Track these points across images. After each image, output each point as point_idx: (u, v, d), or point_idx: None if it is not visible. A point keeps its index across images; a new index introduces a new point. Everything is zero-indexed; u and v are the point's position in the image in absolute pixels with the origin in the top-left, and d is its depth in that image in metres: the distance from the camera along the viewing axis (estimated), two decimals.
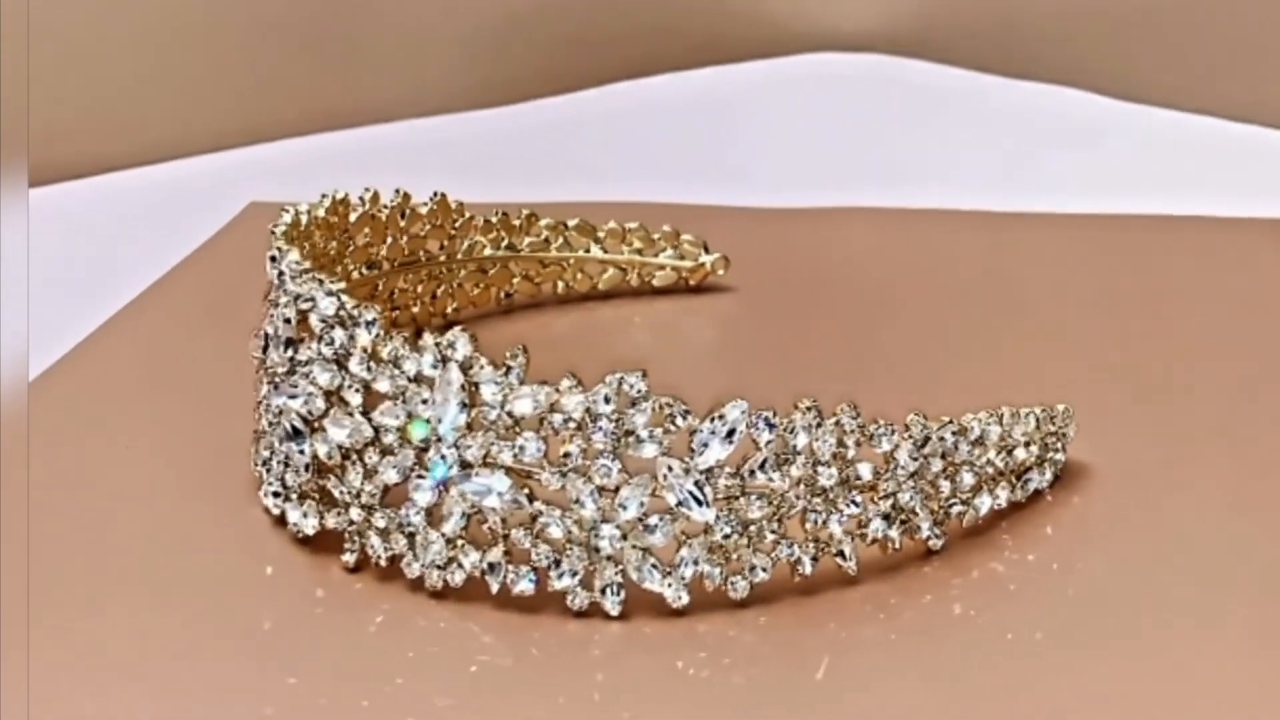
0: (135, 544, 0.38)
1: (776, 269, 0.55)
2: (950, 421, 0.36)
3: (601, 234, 0.52)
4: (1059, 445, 0.40)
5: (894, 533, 0.36)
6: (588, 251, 0.52)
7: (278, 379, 0.38)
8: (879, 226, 0.60)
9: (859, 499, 0.35)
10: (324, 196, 0.45)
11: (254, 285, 0.54)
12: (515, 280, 0.52)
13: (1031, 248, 0.58)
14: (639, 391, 0.34)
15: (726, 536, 0.34)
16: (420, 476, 0.35)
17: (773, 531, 0.35)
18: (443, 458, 0.35)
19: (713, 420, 0.34)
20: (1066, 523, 0.38)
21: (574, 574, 0.35)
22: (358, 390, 0.36)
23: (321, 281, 0.37)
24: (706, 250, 0.53)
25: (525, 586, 0.35)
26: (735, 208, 0.61)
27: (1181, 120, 0.76)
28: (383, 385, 0.35)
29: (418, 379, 0.35)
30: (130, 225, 0.66)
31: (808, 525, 0.35)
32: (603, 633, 0.34)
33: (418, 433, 0.35)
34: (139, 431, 0.44)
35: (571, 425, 0.34)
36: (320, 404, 0.37)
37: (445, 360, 0.35)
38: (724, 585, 0.35)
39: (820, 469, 0.35)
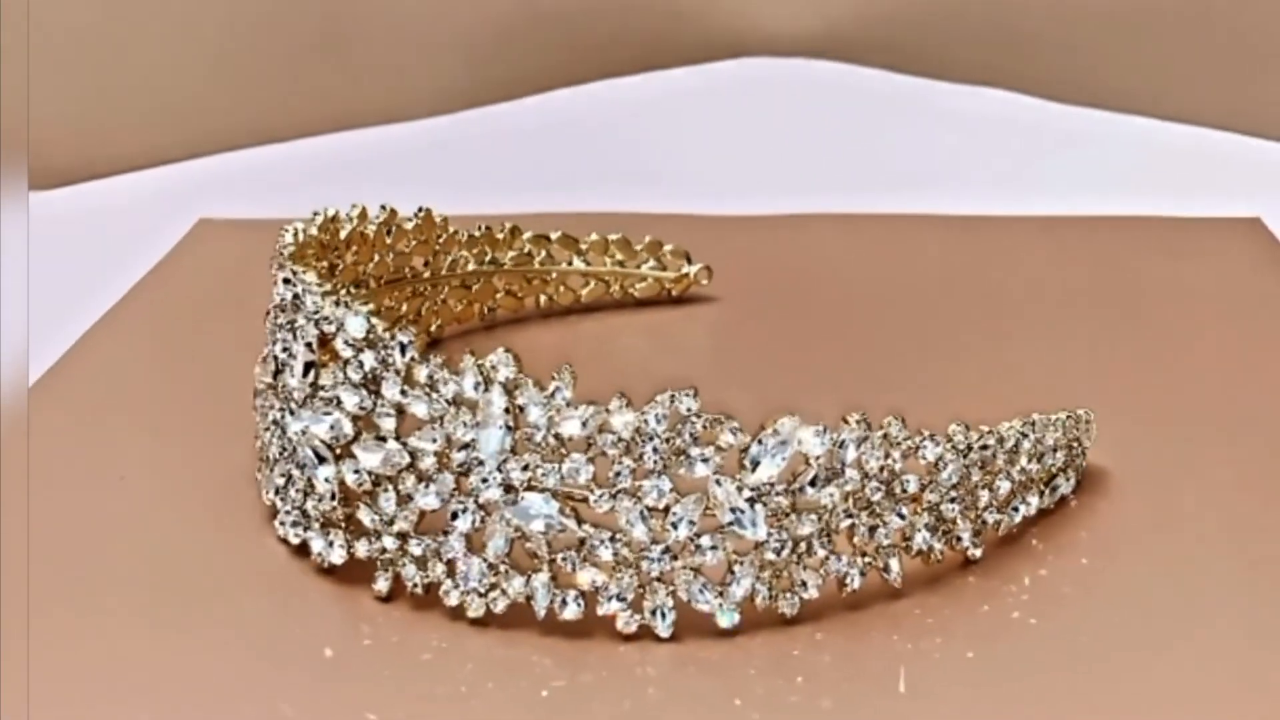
0: (150, 585, 0.37)
1: (757, 277, 0.54)
2: (990, 431, 0.36)
3: (584, 246, 0.51)
4: (1081, 450, 0.40)
5: (937, 544, 0.36)
6: (570, 264, 0.51)
7: (294, 404, 0.37)
8: (850, 232, 0.60)
9: (904, 511, 0.35)
10: (315, 214, 0.44)
11: (214, 304, 0.53)
12: (499, 295, 0.51)
13: (1001, 250, 0.58)
14: (690, 410, 0.33)
15: (777, 554, 0.34)
16: (460, 502, 0.34)
17: (823, 547, 0.34)
18: (484, 481, 0.34)
19: (764, 437, 0.33)
20: (1097, 527, 0.38)
21: (623, 597, 0.34)
22: (390, 415, 0.35)
23: (348, 304, 0.36)
24: (689, 260, 0.53)
25: (573, 610, 0.34)
26: (704, 216, 0.61)
27: (1118, 120, 0.77)
28: (419, 410, 0.34)
29: (456, 401, 0.34)
30: (74, 244, 0.64)
31: (855, 539, 0.35)
32: (654, 654, 0.34)
33: None
34: (128, 458, 0.43)
35: (621, 446, 0.33)
36: (348, 429, 0.36)
37: (488, 382, 0.34)
38: (774, 603, 0.34)
39: (868, 482, 0.34)
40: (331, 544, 0.36)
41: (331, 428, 0.36)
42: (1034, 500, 0.38)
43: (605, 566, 0.34)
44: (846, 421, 0.34)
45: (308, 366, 0.36)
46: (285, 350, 0.37)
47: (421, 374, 0.34)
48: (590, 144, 0.79)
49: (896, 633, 0.34)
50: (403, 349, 0.35)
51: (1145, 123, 0.76)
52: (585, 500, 0.34)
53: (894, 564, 0.35)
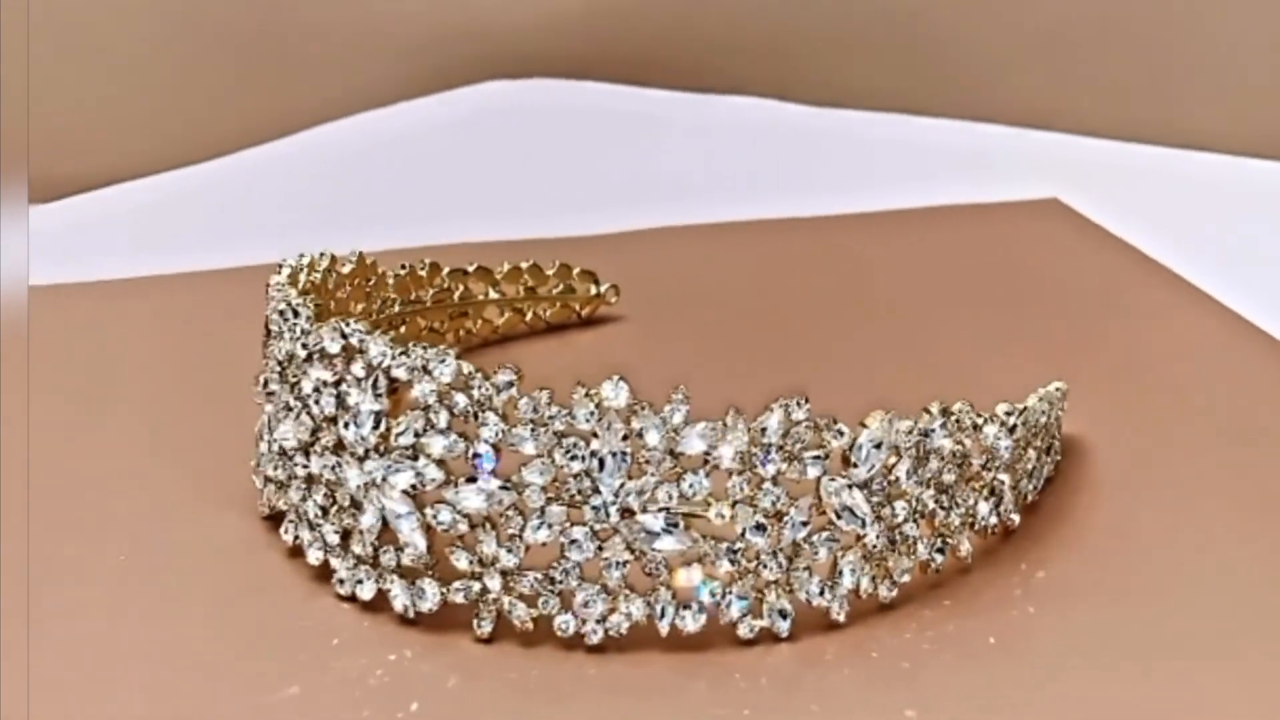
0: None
1: (644, 293, 0.55)
2: (1024, 409, 0.39)
3: (498, 276, 0.52)
4: (1059, 420, 0.43)
5: (993, 519, 0.38)
6: (486, 295, 0.51)
7: (355, 457, 0.36)
8: (705, 241, 0.62)
9: (971, 491, 0.37)
10: (282, 265, 0.43)
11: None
12: (422, 333, 0.50)
13: (851, 246, 0.62)
14: (803, 416, 0.35)
15: (878, 544, 0.36)
16: (574, 533, 0.34)
17: (913, 533, 0.36)
18: (598, 510, 0.34)
19: (865, 434, 0.35)
20: (1101, 491, 0.42)
21: (744, 602, 0.35)
22: (488, 456, 0.35)
23: (431, 347, 0.35)
24: (596, 282, 0.53)
25: (695, 624, 0.35)
26: (550, 239, 0.61)
27: (871, 119, 0.81)
28: (528, 447, 0.34)
29: (566, 434, 0.34)
30: None
31: (936, 522, 0.37)
32: (778, 655, 0.35)
33: None
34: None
35: (739, 459, 0.34)
36: (436, 475, 0.35)
37: (603, 412, 0.34)
38: (874, 592, 0.36)
39: (944, 466, 0.37)
40: (423, 592, 0.36)
41: (417, 475, 0.35)
42: (1048, 466, 0.41)
43: (725, 577, 0.35)
44: (929, 411, 0.36)
45: (378, 417, 0.36)
46: (335, 403, 0.37)
47: (526, 410, 0.34)
48: (338, 184, 0.78)
49: (1001, 607, 0.36)
50: (505, 388, 0.35)
51: (895, 118, 0.81)
52: (701, 515, 0.35)
53: (965, 543, 0.38)
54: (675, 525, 0.34)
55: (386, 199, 0.76)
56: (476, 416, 0.35)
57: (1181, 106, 0.77)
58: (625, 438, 0.34)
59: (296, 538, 0.38)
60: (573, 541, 0.35)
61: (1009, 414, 0.38)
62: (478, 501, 0.35)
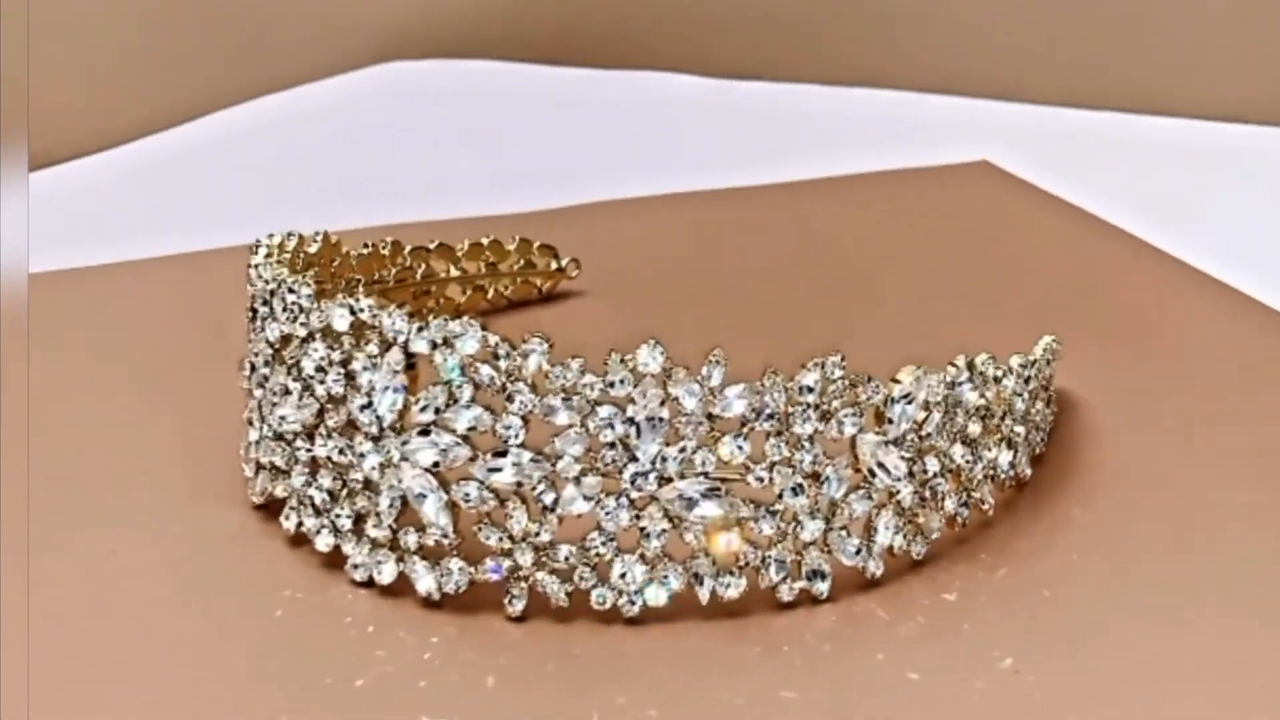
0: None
1: (598, 267, 0.55)
2: (1034, 361, 0.39)
3: (460, 253, 0.50)
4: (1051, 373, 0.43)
5: (1011, 471, 0.38)
6: (448, 273, 0.50)
7: (370, 436, 0.35)
8: (650, 213, 0.61)
9: (992, 444, 0.37)
10: (256, 247, 0.41)
11: None
12: None
13: (795, 215, 0.62)
14: (839, 373, 0.34)
15: (910, 501, 0.35)
16: (610, 503, 0.34)
17: (944, 490, 0.36)
18: (638, 478, 0.33)
19: (899, 390, 0.35)
20: (1099, 440, 0.42)
21: (782, 566, 0.34)
22: (515, 427, 0.34)
23: (453, 318, 0.34)
24: (556, 257, 0.52)
25: (736, 590, 0.34)
26: (492, 216, 0.60)
27: (780, 90, 0.81)
28: (561, 417, 0.33)
29: (600, 402, 0.33)
30: None
31: (962, 476, 0.37)
32: (822, 617, 0.34)
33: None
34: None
35: (776, 419, 0.34)
36: (463, 453, 0.34)
37: (638, 378, 0.33)
38: (907, 549, 0.36)
39: (969, 419, 0.36)
40: (450, 572, 0.35)
41: (441, 452, 0.34)
42: (1049, 419, 0.41)
43: (764, 541, 0.34)
44: (954, 364, 0.36)
45: (398, 394, 0.35)
46: (343, 383, 0.35)
47: (559, 380, 0.33)
48: (240, 170, 0.76)
49: (1045, 557, 0.36)
50: (532, 357, 0.34)
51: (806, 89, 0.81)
52: (739, 478, 0.34)
53: (988, 495, 0.37)
54: (716, 490, 0.34)
55: (300, 182, 0.74)
56: (504, 389, 0.34)
57: (1104, 69, 0.78)
58: (663, 403, 0.33)
59: (300, 525, 0.37)
60: (609, 512, 0.34)
61: (1023, 366, 0.38)
62: (509, 475, 0.34)
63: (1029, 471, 0.39)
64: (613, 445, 0.33)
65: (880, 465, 0.35)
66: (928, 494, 0.36)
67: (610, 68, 0.86)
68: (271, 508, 0.38)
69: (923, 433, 0.35)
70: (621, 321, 0.51)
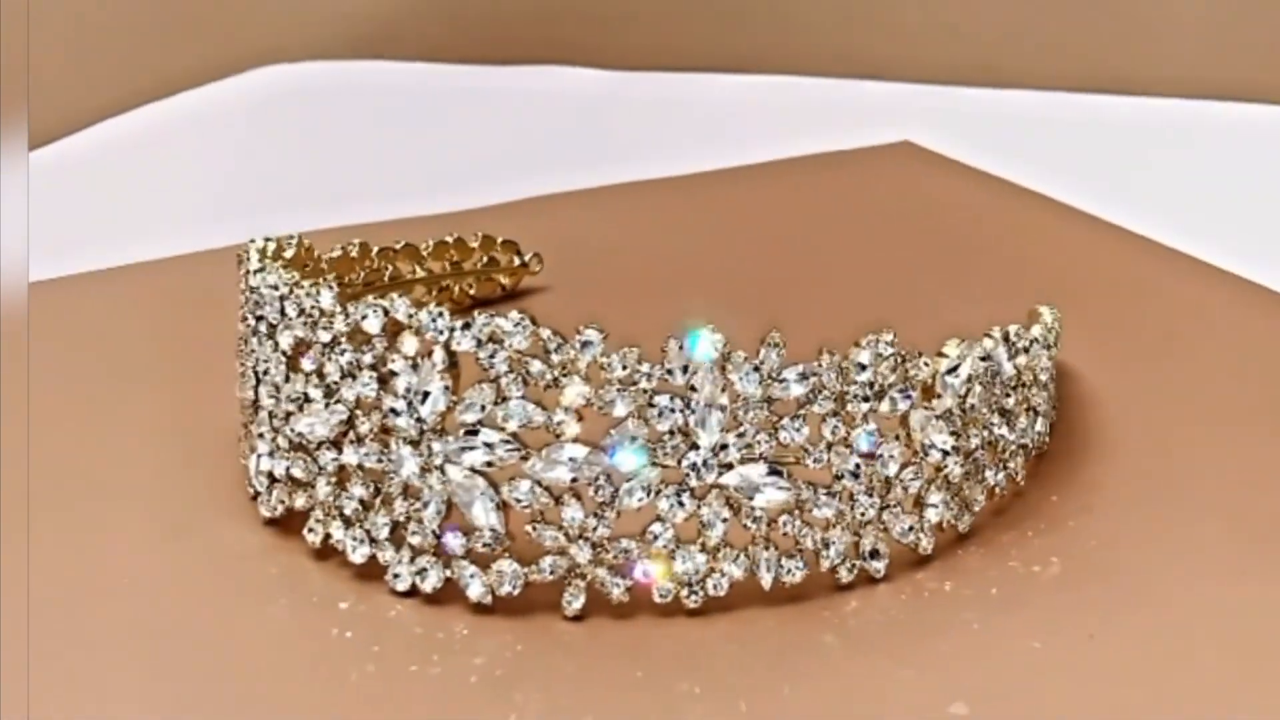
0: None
1: (559, 260, 0.54)
2: (1051, 327, 0.39)
3: (425, 253, 0.49)
4: None
5: (1038, 439, 0.38)
6: (414, 274, 0.49)
7: (408, 439, 0.34)
8: (591, 206, 0.61)
9: (1022, 414, 0.37)
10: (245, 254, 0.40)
11: None
12: None
13: (733, 201, 0.62)
14: (890, 350, 0.34)
15: (956, 474, 0.35)
16: (675, 498, 0.33)
17: (985, 461, 0.36)
18: (698, 466, 0.33)
19: (946, 364, 0.35)
20: (1095, 408, 0.43)
21: (841, 547, 0.34)
22: (568, 420, 0.33)
23: (497, 314, 0.33)
24: (519, 253, 0.51)
25: (799, 574, 0.34)
26: (431, 216, 0.59)
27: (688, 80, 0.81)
28: (620, 409, 0.33)
29: (658, 390, 0.33)
30: None
31: (998, 448, 0.37)
32: (887, 596, 0.34)
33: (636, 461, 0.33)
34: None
35: (832, 399, 0.33)
36: (514, 452, 0.33)
37: (697, 363, 0.33)
38: (954, 523, 0.36)
39: (1005, 389, 0.36)
40: (502, 575, 0.33)
41: (494, 451, 0.33)
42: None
43: (821, 523, 0.34)
44: (991, 335, 0.36)
45: (441, 395, 0.33)
46: (375, 387, 0.34)
47: (616, 369, 0.33)
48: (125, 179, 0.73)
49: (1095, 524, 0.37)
50: (590, 347, 0.33)
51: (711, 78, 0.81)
52: (797, 461, 0.33)
53: (1020, 465, 0.37)
54: (778, 474, 0.33)
55: (197, 191, 0.72)
56: (556, 382, 0.33)
57: (1012, 49, 0.79)
58: (723, 389, 0.33)
59: (327, 537, 0.36)
60: (669, 503, 0.33)
61: (1045, 335, 0.38)
62: (565, 472, 0.33)
63: (1048, 440, 0.39)
64: (672, 434, 0.33)
65: (931, 440, 0.35)
66: (971, 466, 0.36)
67: (504, 63, 0.85)
68: (284, 522, 0.37)
69: (966, 405, 0.35)
70: (591, 315, 0.50)
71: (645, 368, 0.33)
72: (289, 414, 0.36)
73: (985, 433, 0.36)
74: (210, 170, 0.75)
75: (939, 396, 0.35)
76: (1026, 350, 0.37)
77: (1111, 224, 0.57)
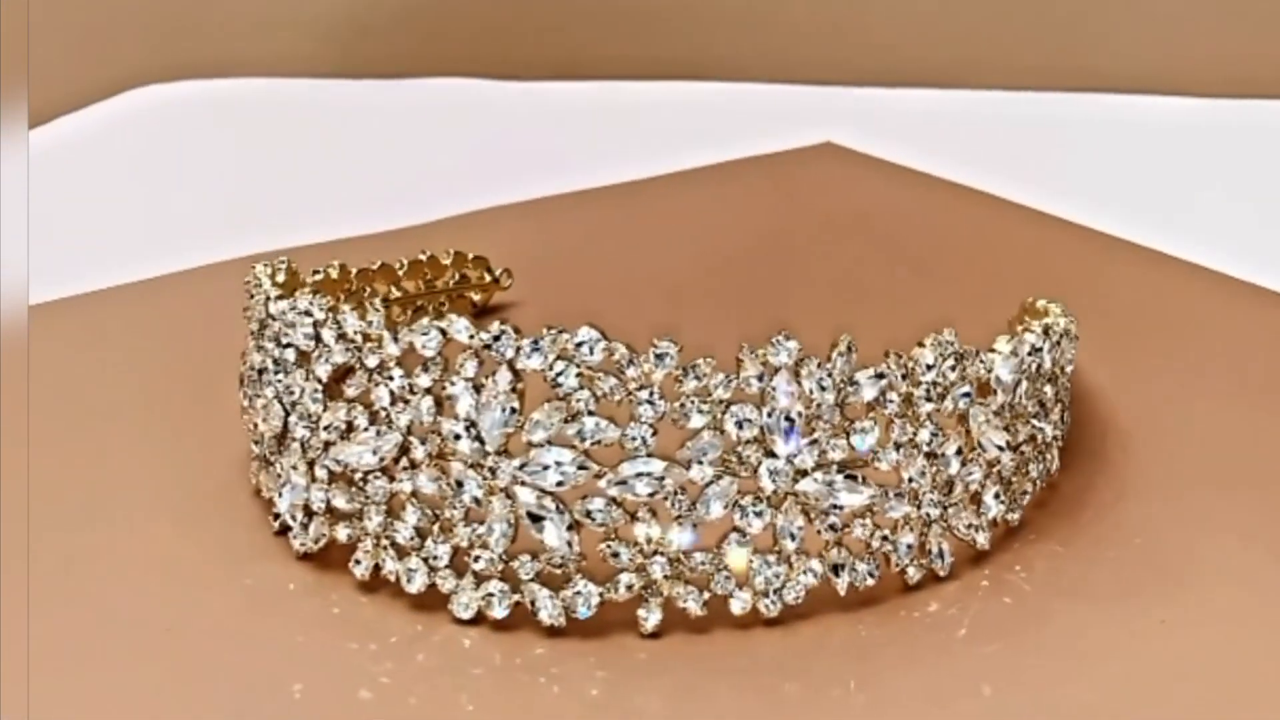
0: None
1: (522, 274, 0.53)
2: (1072, 323, 0.40)
3: (400, 273, 0.48)
4: None
5: (1064, 430, 0.39)
6: (389, 294, 0.48)
7: (471, 461, 0.33)
8: (539, 216, 0.60)
9: (1054, 407, 0.38)
10: (257, 281, 0.39)
11: None
12: None
13: (671, 209, 0.62)
14: (952, 347, 0.34)
15: (1009, 470, 0.36)
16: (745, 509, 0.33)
17: (1030, 455, 0.36)
18: (776, 475, 0.33)
19: (999, 360, 0.35)
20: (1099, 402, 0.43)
21: (909, 548, 0.34)
22: (649, 437, 0.32)
23: (563, 329, 0.32)
24: (490, 269, 0.51)
25: (873, 578, 0.34)
26: (366, 235, 0.58)
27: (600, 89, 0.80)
28: (696, 420, 0.32)
29: (733, 401, 0.32)
30: None
31: (1038, 440, 0.37)
32: (966, 594, 0.34)
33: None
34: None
35: (898, 401, 0.33)
36: (587, 470, 0.32)
37: (773, 371, 0.32)
38: (1005, 517, 0.36)
39: (1043, 382, 0.37)
40: (578, 597, 0.33)
41: (565, 471, 0.32)
42: None
43: (890, 523, 0.34)
44: (1032, 330, 0.36)
45: (509, 416, 0.33)
46: (432, 410, 0.33)
47: (691, 382, 0.32)
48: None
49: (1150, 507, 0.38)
50: (664, 362, 0.32)
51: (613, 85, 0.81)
52: (868, 464, 0.33)
53: (1056, 456, 0.38)
54: (853, 478, 0.33)
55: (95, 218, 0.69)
56: (630, 397, 0.32)
57: (927, 49, 0.81)
58: (800, 397, 0.33)
59: (376, 568, 0.35)
60: (745, 513, 0.33)
61: (1070, 325, 0.39)
62: (643, 487, 0.32)
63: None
64: (748, 444, 0.33)
65: (988, 437, 0.35)
66: (1020, 460, 0.36)
67: (396, 77, 0.84)
68: (316, 557, 0.36)
69: (1014, 400, 0.36)
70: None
71: (719, 378, 0.32)
72: (328, 444, 0.35)
73: (1029, 426, 0.36)
74: (103, 196, 0.72)
75: (993, 393, 0.35)
76: (1058, 344, 0.38)
77: (1037, 210, 0.59)
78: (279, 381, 0.36)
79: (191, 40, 0.87)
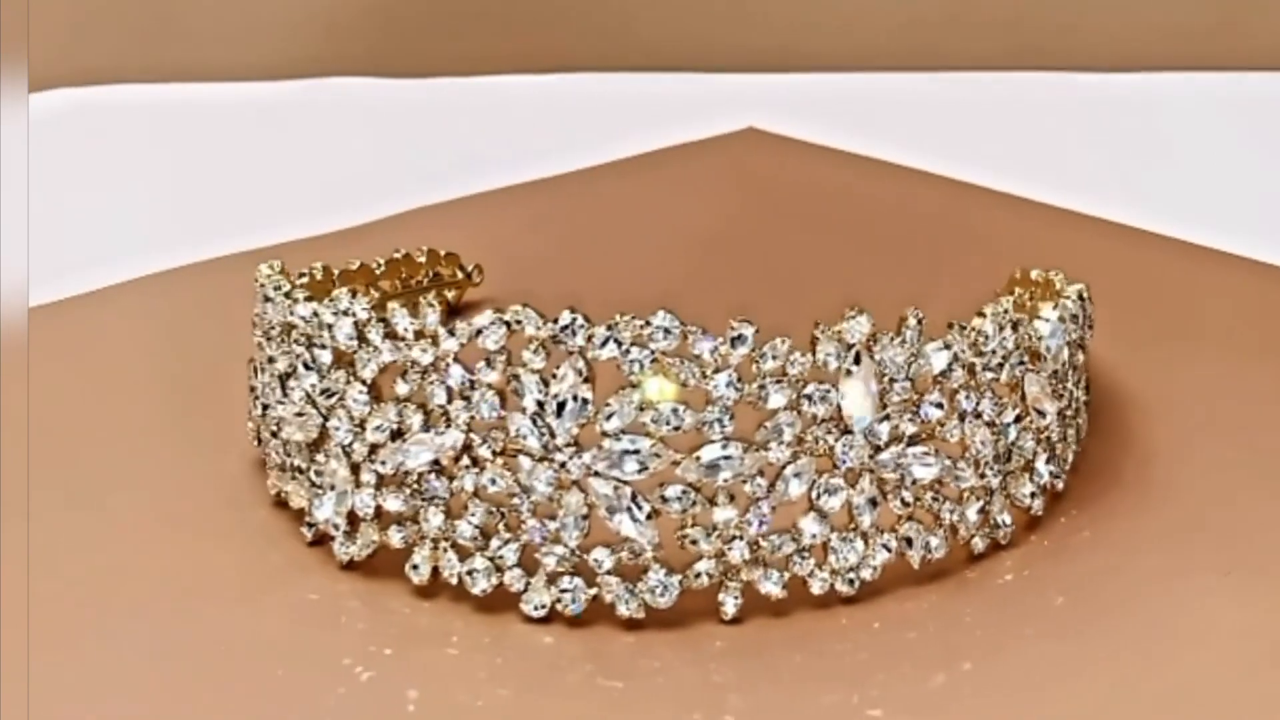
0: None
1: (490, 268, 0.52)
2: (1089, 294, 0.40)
3: (378, 273, 0.47)
4: None
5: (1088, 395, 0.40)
6: (368, 294, 0.46)
7: (539, 453, 0.32)
8: (502, 207, 0.60)
9: (1082, 375, 0.38)
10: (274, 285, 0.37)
11: None
12: None
13: (621, 196, 0.61)
14: (1010, 316, 0.34)
15: (1057, 437, 0.36)
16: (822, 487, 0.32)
17: (1070, 422, 0.37)
18: (851, 450, 0.32)
19: (1048, 328, 0.35)
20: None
21: (974, 518, 0.34)
22: (726, 420, 0.32)
23: (635, 315, 0.32)
24: (461, 266, 0.49)
25: (944, 550, 0.34)
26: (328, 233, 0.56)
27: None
28: (776, 400, 0.32)
29: (807, 380, 0.32)
30: None
31: (1068, 413, 0.37)
32: (1025, 558, 0.35)
33: None
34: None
35: (963, 371, 0.34)
36: (666, 457, 0.32)
37: (847, 348, 0.32)
38: (1055, 482, 0.36)
39: (1077, 352, 0.37)
40: (656, 587, 0.32)
41: (645, 459, 0.32)
42: None
43: (955, 494, 0.34)
44: (1066, 299, 0.37)
45: (582, 407, 0.32)
46: (496, 406, 0.32)
47: (769, 362, 0.32)
48: None
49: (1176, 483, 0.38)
50: (740, 340, 0.32)
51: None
52: (934, 435, 0.34)
53: (1086, 422, 0.39)
54: (928, 453, 0.33)
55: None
56: (706, 380, 0.32)
57: (844, 32, 0.81)
58: (873, 372, 0.32)
59: (435, 572, 0.34)
60: (823, 491, 0.33)
61: (1087, 290, 0.39)
62: (726, 472, 0.32)
63: None
64: (825, 421, 0.32)
65: (1041, 405, 0.35)
66: (1064, 427, 0.36)
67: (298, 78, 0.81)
68: (361, 563, 0.35)
69: (1060, 366, 0.36)
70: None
71: (797, 357, 0.32)
72: (376, 446, 0.34)
73: (1068, 392, 0.37)
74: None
75: (1042, 359, 0.35)
76: (1085, 310, 0.38)
77: (963, 182, 0.60)
78: (312, 385, 0.35)
79: (120, 42, 0.84)
